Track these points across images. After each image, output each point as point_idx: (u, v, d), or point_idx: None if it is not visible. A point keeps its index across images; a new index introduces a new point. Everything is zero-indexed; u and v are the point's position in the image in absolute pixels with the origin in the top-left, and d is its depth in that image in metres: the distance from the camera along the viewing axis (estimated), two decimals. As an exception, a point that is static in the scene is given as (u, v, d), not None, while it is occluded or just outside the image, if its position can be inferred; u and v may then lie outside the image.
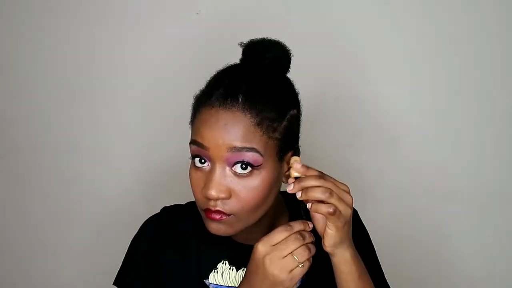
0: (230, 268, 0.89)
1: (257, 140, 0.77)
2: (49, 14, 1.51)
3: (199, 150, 0.79)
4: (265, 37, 0.85)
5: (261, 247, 0.76)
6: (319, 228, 0.80)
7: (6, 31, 1.54)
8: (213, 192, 0.77)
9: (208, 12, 1.46)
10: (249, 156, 0.77)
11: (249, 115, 0.77)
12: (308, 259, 0.76)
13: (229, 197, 0.78)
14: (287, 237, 0.76)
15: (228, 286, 0.88)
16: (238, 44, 0.86)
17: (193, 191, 0.82)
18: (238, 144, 0.76)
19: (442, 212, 1.49)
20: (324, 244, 0.79)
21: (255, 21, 1.44)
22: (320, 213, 0.77)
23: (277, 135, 0.79)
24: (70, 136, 1.55)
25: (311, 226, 0.79)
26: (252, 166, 0.77)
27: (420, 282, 1.51)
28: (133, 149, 1.54)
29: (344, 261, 0.80)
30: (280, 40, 0.86)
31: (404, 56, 1.45)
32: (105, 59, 1.52)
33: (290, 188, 0.78)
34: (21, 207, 1.59)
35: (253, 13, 1.45)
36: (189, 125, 0.83)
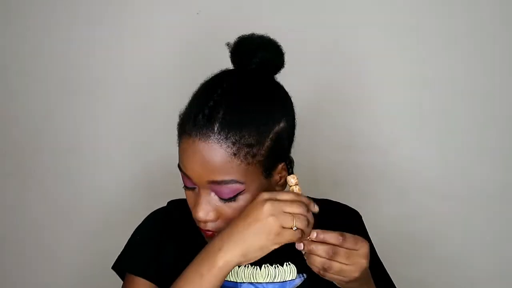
0: None
1: (234, 170, 0.75)
2: (49, 14, 1.51)
3: (184, 176, 0.79)
4: (253, 34, 0.82)
5: (266, 194, 0.74)
6: None
7: (6, 31, 1.54)
8: (201, 215, 0.79)
9: (208, 12, 1.46)
10: (229, 188, 0.76)
11: (225, 146, 0.75)
12: (303, 229, 0.73)
13: (216, 219, 0.79)
14: (293, 199, 0.74)
15: (229, 281, 0.88)
16: (225, 44, 0.83)
17: (190, 207, 0.83)
18: (217, 178, 0.76)
19: (442, 212, 1.49)
20: (336, 283, 0.78)
21: (255, 21, 1.43)
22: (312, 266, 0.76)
23: (258, 158, 0.77)
24: (70, 136, 1.55)
25: (316, 208, 0.77)
26: (234, 195, 0.77)
27: (420, 282, 1.51)
28: (133, 149, 1.54)
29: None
30: (272, 38, 0.82)
31: (404, 56, 1.45)
32: (105, 59, 1.52)
33: (300, 248, 0.76)
34: (21, 207, 1.59)
35: (253, 13, 1.45)
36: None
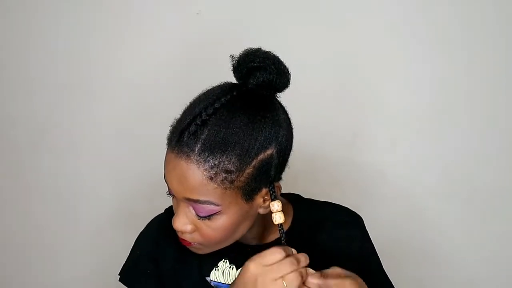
0: (230, 267, 0.90)
1: (210, 193, 0.75)
2: (49, 14, 1.51)
3: (166, 184, 0.80)
4: (259, 49, 0.79)
5: (253, 267, 0.74)
6: None
7: (6, 31, 1.54)
8: (177, 226, 0.80)
9: (208, 12, 1.46)
10: (204, 208, 0.77)
11: (203, 169, 0.74)
12: (298, 286, 0.73)
13: (192, 232, 0.80)
14: (281, 259, 0.74)
15: (228, 284, 0.89)
16: (229, 56, 0.80)
17: None
18: (193, 196, 0.76)
19: (442, 212, 1.49)
20: None
21: (255, 21, 1.44)
22: None
23: (237, 184, 0.76)
24: (70, 136, 1.55)
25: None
26: (210, 214, 0.78)
27: (420, 282, 1.51)
28: (133, 149, 1.54)
29: None
30: (276, 56, 0.79)
31: (405, 56, 1.45)
32: (104, 59, 1.52)
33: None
34: (21, 207, 1.59)
35: (253, 13, 1.45)
36: None
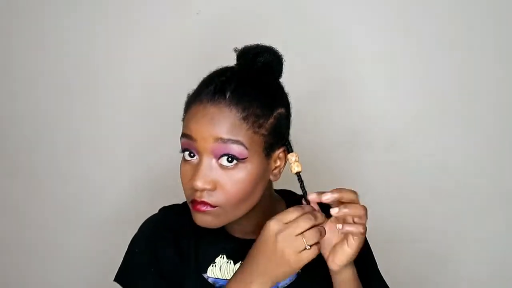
0: (227, 262, 0.90)
1: (242, 133, 0.80)
2: (49, 14, 1.52)
3: (188, 143, 0.82)
4: (259, 43, 0.87)
5: (274, 225, 0.77)
6: (323, 249, 0.81)
7: (6, 31, 1.54)
8: (199, 183, 0.80)
9: (208, 12, 1.46)
10: (234, 149, 0.79)
11: (235, 110, 0.80)
12: (317, 243, 0.77)
13: (214, 188, 0.81)
14: (298, 216, 0.77)
15: (226, 279, 0.89)
16: (233, 49, 0.88)
17: (182, 183, 0.84)
18: (224, 135, 0.79)
19: (442, 212, 1.49)
20: (336, 263, 0.81)
21: (254, 21, 1.44)
22: (351, 233, 0.79)
23: (263, 131, 0.81)
24: (70, 136, 1.55)
25: (326, 197, 0.80)
26: (237, 159, 0.80)
27: (420, 282, 1.51)
28: (133, 148, 1.54)
29: (348, 279, 0.83)
30: (274, 46, 0.87)
31: (406, 56, 1.45)
32: (104, 60, 1.52)
33: (334, 212, 0.78)
34: (21, 207, 1.59)
35: (253, 13, 1.45)
36: (182, 122, 0.86)
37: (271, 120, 0.82)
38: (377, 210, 1.47)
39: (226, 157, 0.80)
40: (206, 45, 1.45)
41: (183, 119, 0.85)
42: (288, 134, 0.87)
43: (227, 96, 0.80)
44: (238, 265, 0.89)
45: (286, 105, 0.87)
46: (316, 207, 0.81)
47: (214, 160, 0.80)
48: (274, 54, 0.87)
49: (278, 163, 0.86)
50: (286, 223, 0.76)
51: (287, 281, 0.89)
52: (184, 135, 0.83)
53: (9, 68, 1.55)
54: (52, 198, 1.58)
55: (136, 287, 0.89)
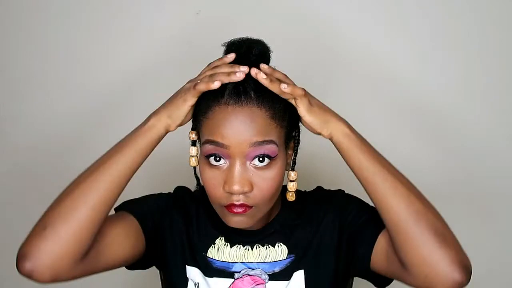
0: (225, 245, 0.93)
1: (273, 132, 0.81)
2: (49, 14, 1.52)
3: (216, 149, 0.81)
4: (241, 37, 0.88)
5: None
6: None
7: (6, 31, 1.54)
8: (237, 187, 0.80)
9: (208, 12, 1.46)
10: (268, 148, 0.80)
11: (264, 109, 0.80)
12: (208, 80, 0.81)
13: (251, 189, 0.81)
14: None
15: (222, 261, 0.93)
16: (222, 44, 0.89)
17: (209, 190, 0.84)
18: (259, 138, 0.80)
19: (442, 212, 1.49)
20: (316, 131, 0.84)
21: (254, 21, 1.44)
22: (294, 95, 0.81)
23: (285, 123, 0.83)
24: (70, 136, 1.55)
25: (229, 56, 0.85)
26: (269, 157, 0.81)
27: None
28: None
29: (342, 134, 0.85)
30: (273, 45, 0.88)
31: (405, 56, 1.45)
32: (105, 60, 1.52)
33: (284, 87, 0.80)
34: (21, 207, 1.59)
35: (253, 13, 1.45)
36: (193, 123, 0.86)
37: (289, 111, 0.83)
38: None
39: (258, 158, 0.81)
40: (206, 45, 1.45)
41: (199, 121, 0.84)
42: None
43: (253, 96, 0.80)
44: (234, 247, 0.93)
45: None
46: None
47: (247, 162, 0.81)
48: (263, 45, 0.87)
49: (289, 152, 0.88)
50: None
51: (282, 264, 0.92)
52: (211, 142, 0.81)
53: (9, 68, 1.55)
54: (52, 198, 1.58)
55: (136, 208, 0.94)
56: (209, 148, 0.81)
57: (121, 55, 1.51)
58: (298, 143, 0.87)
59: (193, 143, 0.88)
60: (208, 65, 0.87)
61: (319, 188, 1.01)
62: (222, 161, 0.82)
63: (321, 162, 1.47)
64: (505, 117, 1.45)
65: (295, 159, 0.88)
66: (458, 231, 1.54)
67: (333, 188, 1.01)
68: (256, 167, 0.81)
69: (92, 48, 1.52)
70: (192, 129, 0.88)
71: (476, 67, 1.43)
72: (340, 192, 0.99)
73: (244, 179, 0.81)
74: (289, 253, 0.92)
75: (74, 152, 1.56)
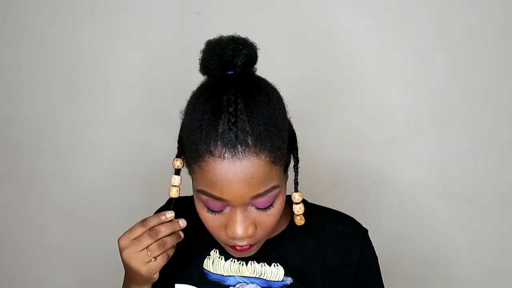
0: (219, 257, 0.91)
1: (274, 176, 0.75)
2: (49, 14, 1.52)
3: (213, 202, 0.76)
4: (221, 37, 0.80)
5: (121, 242, 0.81)
6: None
7: (6, 31, 1.54)
8: (241, 233, 0.76)
9: (208, 12, 1.46)
10: (270, 195, 0.76)
11: (264, 155, 0.72)
12: (162, 253, 0.80)
13: (255, 230, 0.78)
14: (142, 233, 0.80)
15: (217, 274, 0.90)
16: (204, 43, 0.81)
17: (209, 229, 0.81)
18: (261, 190, 0.74)
19: (442, 212, 1.49)
20: None
21: (254, 21, 1.44)
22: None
23: (284, 157, 0.77)
24: (70, 136, 1.55)
25: (168, 216, 0.82)
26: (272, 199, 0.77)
27: (419, 282, 1.51)
28: (133, 149, 1.54)
29: None
30: (240, 37, 0.80)
31: (405, 56, 1.45)
32: (104, 59, 1.52)
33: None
34: (21, 207, 1.59)
35: (253, 13, 1.45)
36: (179, 152, 0.81)
37: (286, 139, 0.77)
38: (377, 210, 1.48)
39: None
40: (206, 45, 1.45)
41: (192, 167, 0.76)
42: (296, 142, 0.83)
43: (251, 144, 0.71)
44: (228, 261, 0.90)
45: (283, 104, 0.80)
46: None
47: (250, 207, 0.76)
48: (249, 47, 0.79)
49: (287, 173, 0.83)
50: (133, 240, 0.80)
51: (279, 286, 0.89)
52: (206, 194, 0.75)
53: (9, 68, 1.55)
54: (52, 198, 1.58)
55: None
56: (204, 198, 0.76)
57: (120, 55, 1.51)
58: (298, 161, 0.81)
59: (177, 172, 0.81)
60: (142, 221, 0.81)
61: (340, 215, 0.94)
62: (223, 210, 0.77)
63: (321, 162, 1.47)
64: (505, 117, 1.45)
65: (296, 178, 0.82)
66: (459, 231, 1.55)
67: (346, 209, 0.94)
68: (259, 209, 0.77)
69: (92, 48, 1.52)
70: (177, 156, 0.80)
71: (476, 67, 1.43)
72: (368, 250, 0.92)
73: (248, 223, 0.76)
74: (285, 275, 0.88)
75: (74, 152, 1.56)
